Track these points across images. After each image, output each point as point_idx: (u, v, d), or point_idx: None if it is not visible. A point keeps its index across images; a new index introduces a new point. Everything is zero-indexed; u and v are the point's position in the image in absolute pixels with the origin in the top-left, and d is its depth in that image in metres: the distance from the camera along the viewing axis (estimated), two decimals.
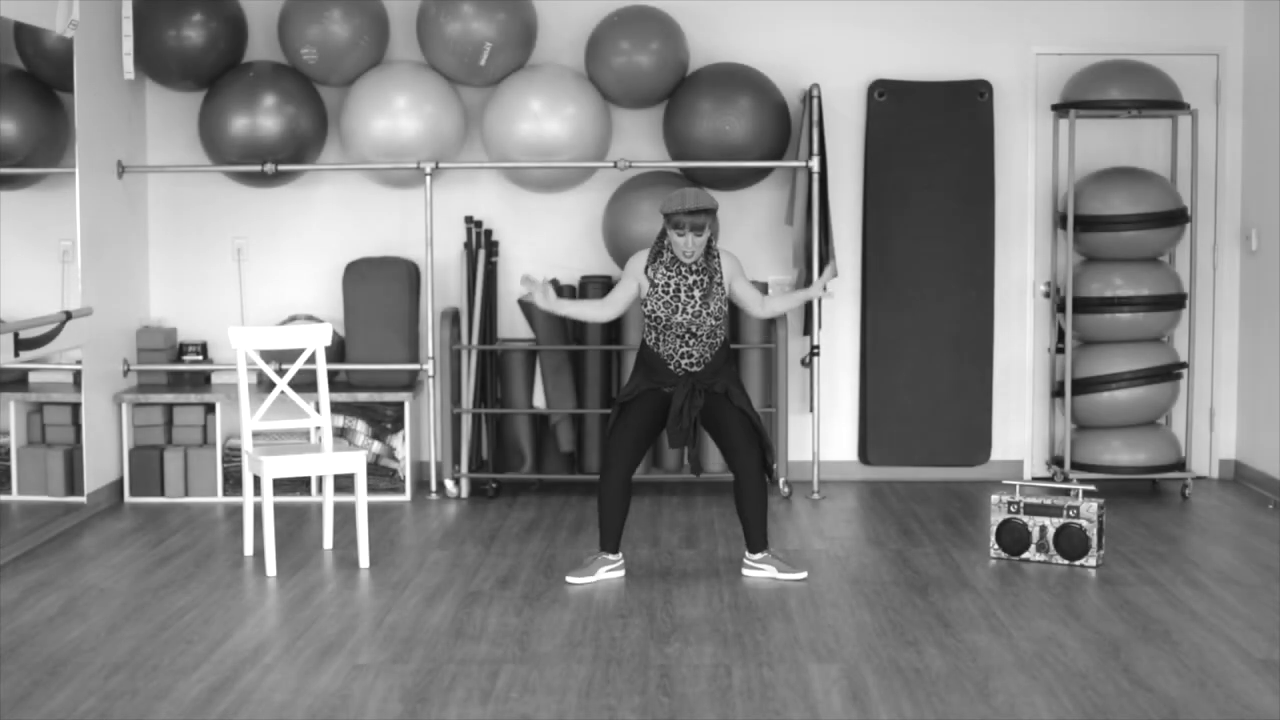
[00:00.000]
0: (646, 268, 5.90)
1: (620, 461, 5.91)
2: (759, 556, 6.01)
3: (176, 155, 7.92)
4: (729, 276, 5.93)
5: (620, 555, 6.02)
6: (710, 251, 5.90)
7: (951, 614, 5.48)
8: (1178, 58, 7.85)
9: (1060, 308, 7.74)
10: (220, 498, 7.52)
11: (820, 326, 7.70)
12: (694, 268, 5.85)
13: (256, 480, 6.50)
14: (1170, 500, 7.59)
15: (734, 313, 7.60)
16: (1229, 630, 5.28)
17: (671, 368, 5.85)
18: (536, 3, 7.74)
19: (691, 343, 5.84)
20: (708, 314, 5.83)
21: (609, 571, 5.97)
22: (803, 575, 5.95)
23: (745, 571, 6.02)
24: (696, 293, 5.83)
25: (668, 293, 5.83)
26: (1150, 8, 7.92)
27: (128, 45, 7.45)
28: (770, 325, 7.64)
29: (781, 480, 7.64)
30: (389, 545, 6.60)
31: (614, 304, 5.99)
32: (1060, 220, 7.79)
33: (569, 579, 5.92)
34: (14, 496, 7.16)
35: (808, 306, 7.64)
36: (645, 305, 5.88)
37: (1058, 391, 7.87)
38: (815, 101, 7.48)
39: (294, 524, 6.98)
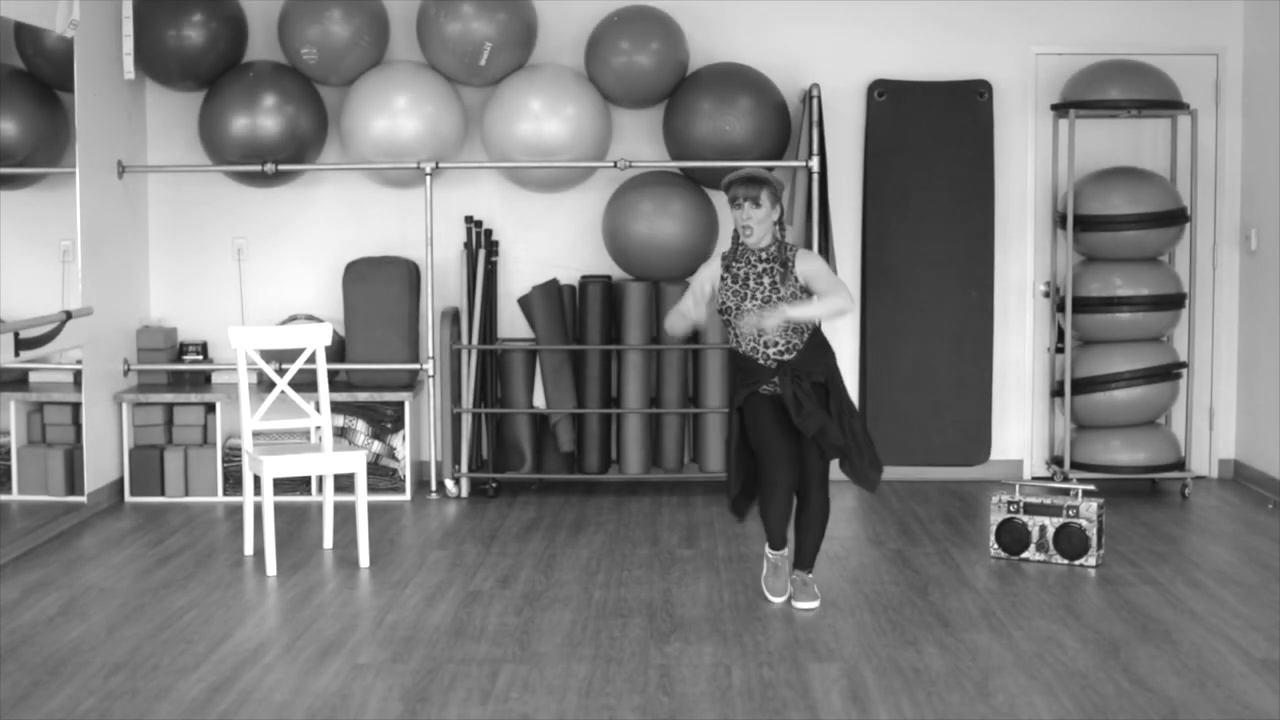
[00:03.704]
0: (722, 263, 5.67)
1: (787, 471, 5.59)
2: (800, 575, 5.72)
3: (176, 155, 7.92)
4: (806, 274, 5.58)
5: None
6: (783, 243, 5.64)
7: (951, 614, 5.48)
8: (1178, 58, 7.85)
9: (1060, 307, 7.74)
10: (220, 497, 7.52)
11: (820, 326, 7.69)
12: (764, 255, 5.59)
13: (256, 480, 6.50)
14: (1170, 500, 7.59)
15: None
16: (1229, 630, 5.28)
17: (761, 361, 5.59)
18: (536, 3, 7.74)
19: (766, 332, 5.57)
20: (779, 300, 5.54)
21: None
22: (814, 605, 5.64)
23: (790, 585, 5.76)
24: (766, 280, 5.57)
25: (737, 281, 5.60)
26: (1150, 8, 7.92)
27: (128, 45, 7.45)
28: None
29: None
30: (389, 545, 6.60)
31: (699, 303, 5.66)
32: (1060, 220, 7.79)
33: (776, 599, 5.68)
34: (14, 496, 7.17)
35: None
36: (720, 302, 5.63)
37: (1057, 391, 7.87)
38: (815, 101, 7.48)
39: (294, 524, 6.98)
